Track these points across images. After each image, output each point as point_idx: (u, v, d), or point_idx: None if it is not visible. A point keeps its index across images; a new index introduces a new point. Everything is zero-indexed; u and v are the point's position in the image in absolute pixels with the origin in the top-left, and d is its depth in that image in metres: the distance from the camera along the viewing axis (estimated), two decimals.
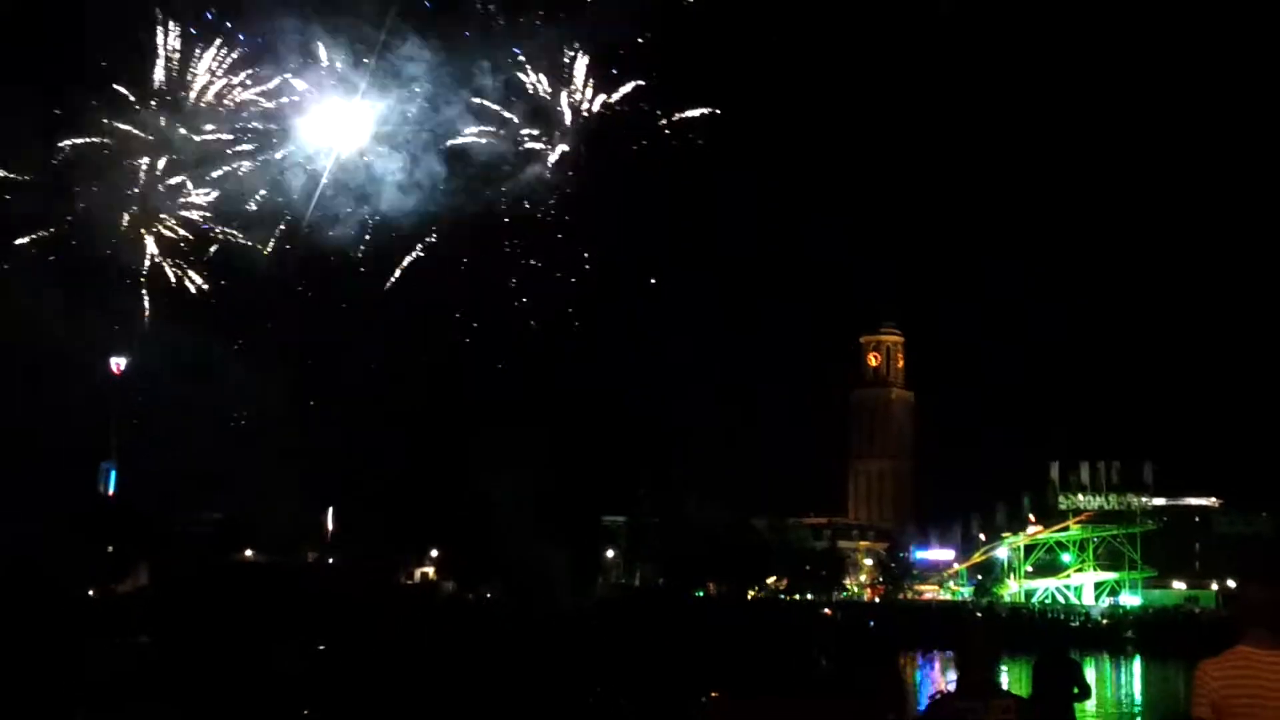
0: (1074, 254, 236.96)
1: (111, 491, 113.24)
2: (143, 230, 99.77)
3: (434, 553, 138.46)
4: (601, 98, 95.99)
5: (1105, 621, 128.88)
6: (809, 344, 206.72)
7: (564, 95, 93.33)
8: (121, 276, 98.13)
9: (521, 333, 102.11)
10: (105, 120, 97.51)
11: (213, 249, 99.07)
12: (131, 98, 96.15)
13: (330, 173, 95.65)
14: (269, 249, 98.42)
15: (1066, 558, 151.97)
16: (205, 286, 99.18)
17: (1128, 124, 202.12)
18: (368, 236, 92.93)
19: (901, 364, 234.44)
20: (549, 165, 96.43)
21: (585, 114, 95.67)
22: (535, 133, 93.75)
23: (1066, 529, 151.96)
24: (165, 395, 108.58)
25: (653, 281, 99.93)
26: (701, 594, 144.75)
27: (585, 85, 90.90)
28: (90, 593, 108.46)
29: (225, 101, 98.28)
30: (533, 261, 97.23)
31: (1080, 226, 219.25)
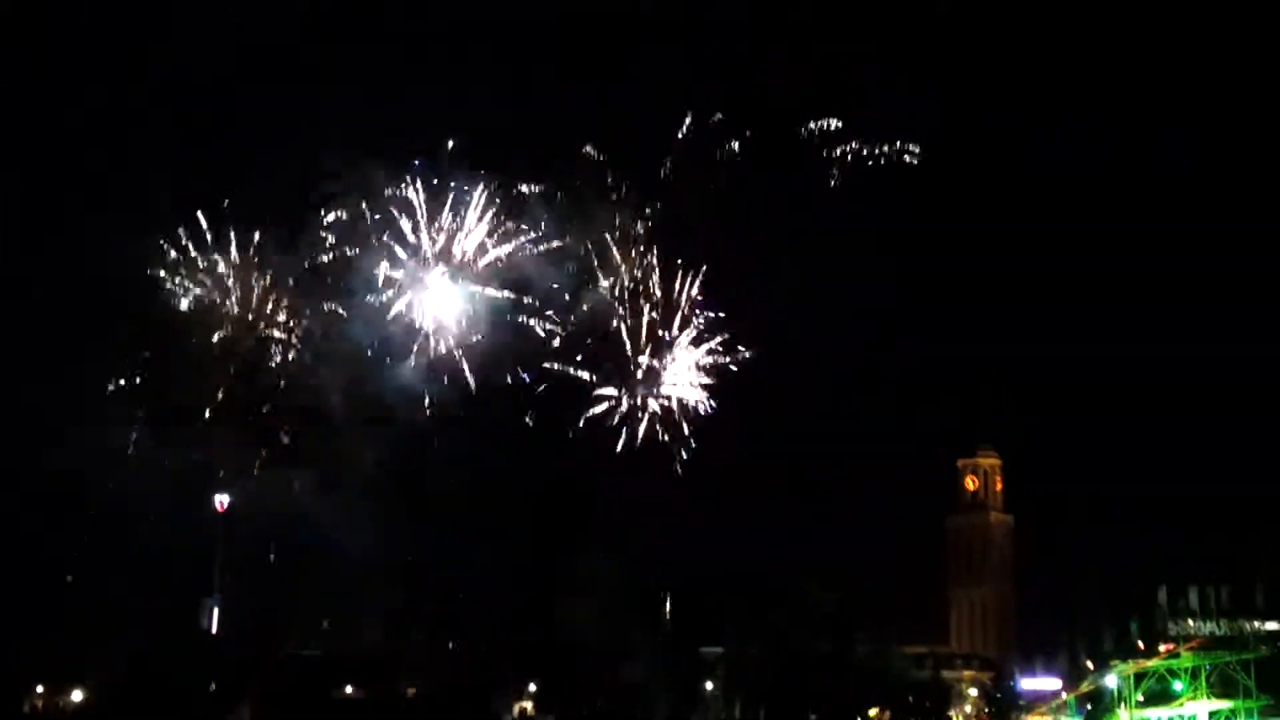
0: (1179, 372, 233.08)
1: (215, 628, 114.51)
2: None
3: (532, 686, 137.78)
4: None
5: None
6: (903, 468, 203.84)
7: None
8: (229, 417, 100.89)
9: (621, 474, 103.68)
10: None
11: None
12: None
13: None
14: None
15: (1178, 686, 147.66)
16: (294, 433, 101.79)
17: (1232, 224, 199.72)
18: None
19: (1000, 487, 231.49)
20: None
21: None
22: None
23: (1177, 655, 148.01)
24: (267, 532, 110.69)
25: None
26: None
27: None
28: None
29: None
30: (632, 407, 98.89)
31: (1175, 343, 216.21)
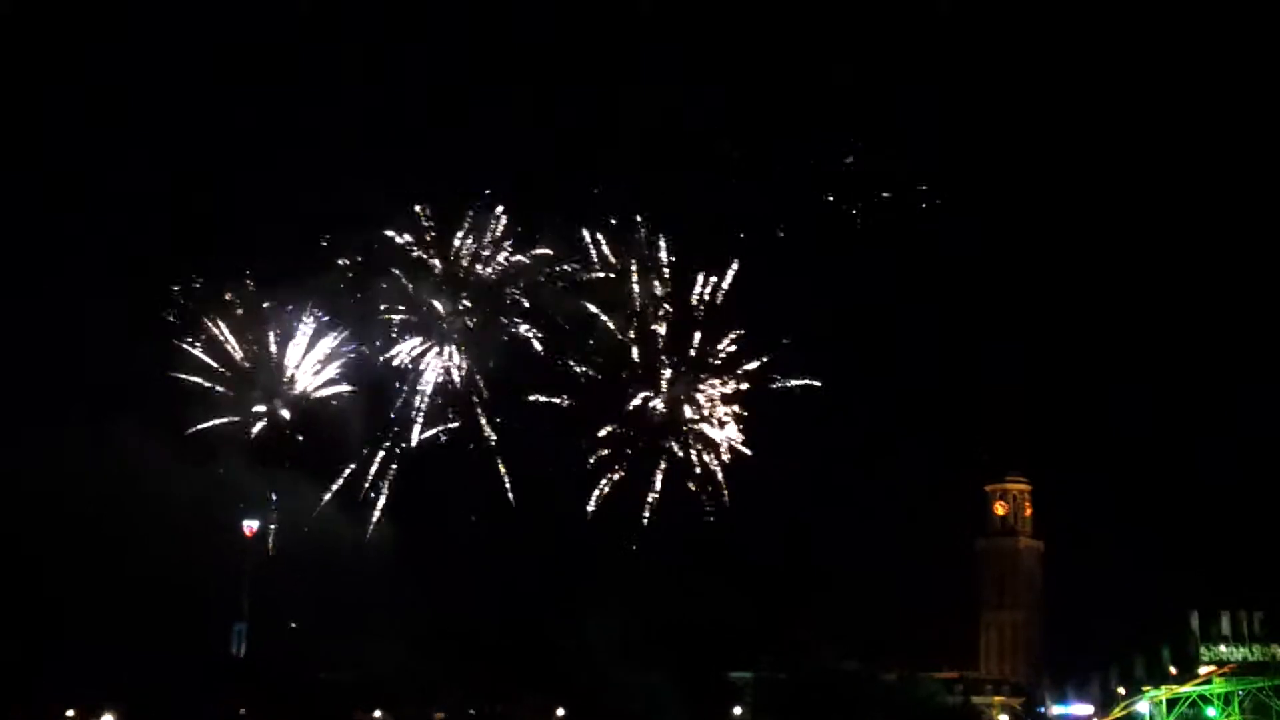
0: (1204, 395, 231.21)
1: (242, 653, 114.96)
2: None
3: (560, 711, 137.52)
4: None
5: None
6: (931, 493, 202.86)
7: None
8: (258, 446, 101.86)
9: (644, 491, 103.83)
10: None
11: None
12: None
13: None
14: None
15: (1211, 712, 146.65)
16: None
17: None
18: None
19: (1029, 512, 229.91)
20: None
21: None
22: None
23: (1209, 681, 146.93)
24: (296, 559, 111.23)
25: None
26: None
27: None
28: None
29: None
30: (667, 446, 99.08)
31: (1212, 368, 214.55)
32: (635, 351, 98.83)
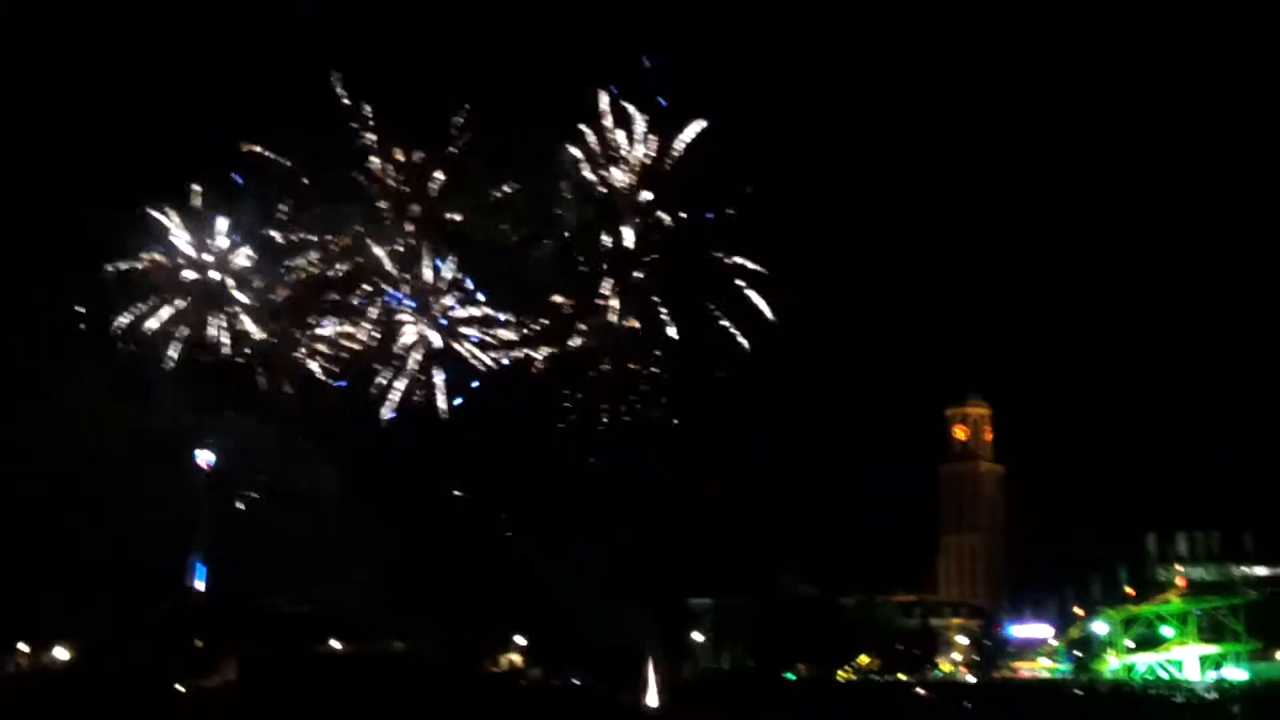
0: (1167, 320, 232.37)
1: (201, 585, 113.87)
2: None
3: (520, 639, 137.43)
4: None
5: (1211, 696, 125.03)
6: (893, 417, 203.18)
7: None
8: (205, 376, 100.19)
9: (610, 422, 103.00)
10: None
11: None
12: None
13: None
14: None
15: (1167, 631, 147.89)
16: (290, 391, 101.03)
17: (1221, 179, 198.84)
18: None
19: (990, 437, 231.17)
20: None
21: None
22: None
23: (1166, 601, 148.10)
24: (253, 490, 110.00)
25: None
26: (793, 676, 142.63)
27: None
28: (179, 688, 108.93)
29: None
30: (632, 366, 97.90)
31: (1173, 294, 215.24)
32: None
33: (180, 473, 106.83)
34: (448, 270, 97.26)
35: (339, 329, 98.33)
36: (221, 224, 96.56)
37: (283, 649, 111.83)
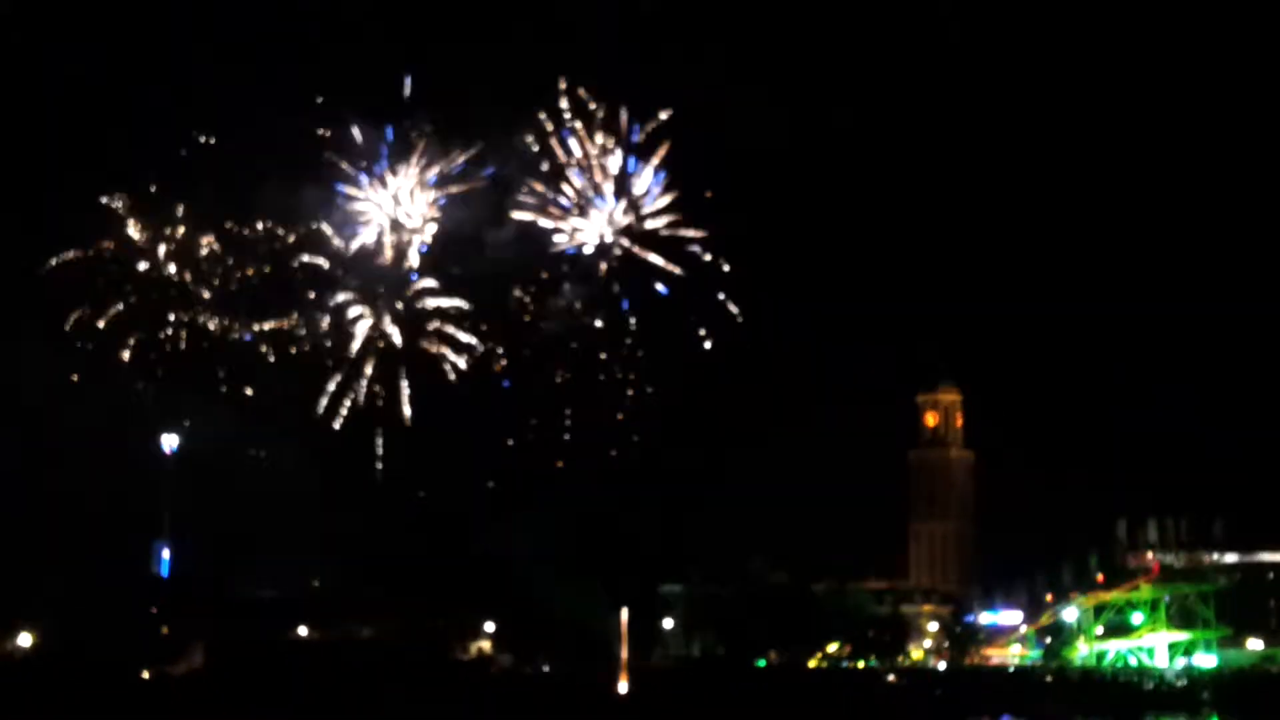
0: (1136, 306, 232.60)
1: (165, 571, 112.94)
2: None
3: (489, 626, 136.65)
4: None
5: (1180, 683, 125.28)
6: (863, 404, 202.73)
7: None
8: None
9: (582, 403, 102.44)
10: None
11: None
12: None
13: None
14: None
15: (1137, 618, 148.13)
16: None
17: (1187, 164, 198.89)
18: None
19: (960, 423, 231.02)
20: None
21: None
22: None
23: (1136, 588, 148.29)
24: (217, 475, 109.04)
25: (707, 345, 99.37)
26: (763, 662, 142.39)
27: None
28: (145, 674, 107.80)
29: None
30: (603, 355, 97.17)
31: (1144, 276, 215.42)
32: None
33: (143, 457, 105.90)
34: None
35: (291, 322, 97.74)
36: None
37: (249, 635, 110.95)
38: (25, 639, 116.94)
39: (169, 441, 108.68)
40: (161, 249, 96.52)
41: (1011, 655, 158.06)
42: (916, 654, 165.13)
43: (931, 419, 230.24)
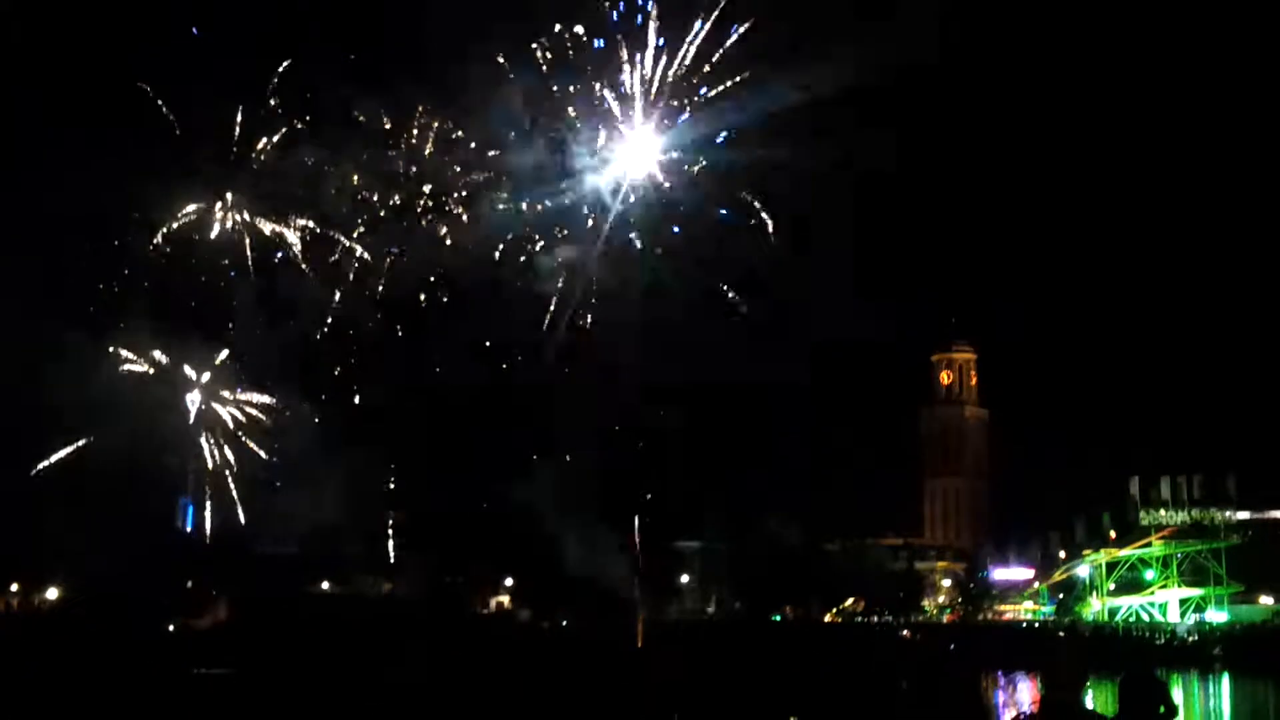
0: (1151, 265, 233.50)
1: (189, 527, 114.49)
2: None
3: (509, 581, 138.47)
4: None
5: (1192, 639, 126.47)
6: (879, 361, 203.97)
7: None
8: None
9: (599, 365, 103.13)
10: None
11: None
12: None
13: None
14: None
15: (1150, 574, 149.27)
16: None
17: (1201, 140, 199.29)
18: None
19: (975, 381, 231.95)
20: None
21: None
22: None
23: (1149, 545, 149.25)
24: (240, 432, 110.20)
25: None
26: (779, 618, 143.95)
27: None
28: (170, 628, 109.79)
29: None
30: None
31: (1160, 237, 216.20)
32: None
33: (170, 415, 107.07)
34: None
35: None
36: None
37: (272, 590, 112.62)
38: (52, 593, 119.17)
39: (194, 400, 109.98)
40: None
41: (1024, 611, 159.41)
42: (931, 609, 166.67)
43: (946, 377, 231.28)
